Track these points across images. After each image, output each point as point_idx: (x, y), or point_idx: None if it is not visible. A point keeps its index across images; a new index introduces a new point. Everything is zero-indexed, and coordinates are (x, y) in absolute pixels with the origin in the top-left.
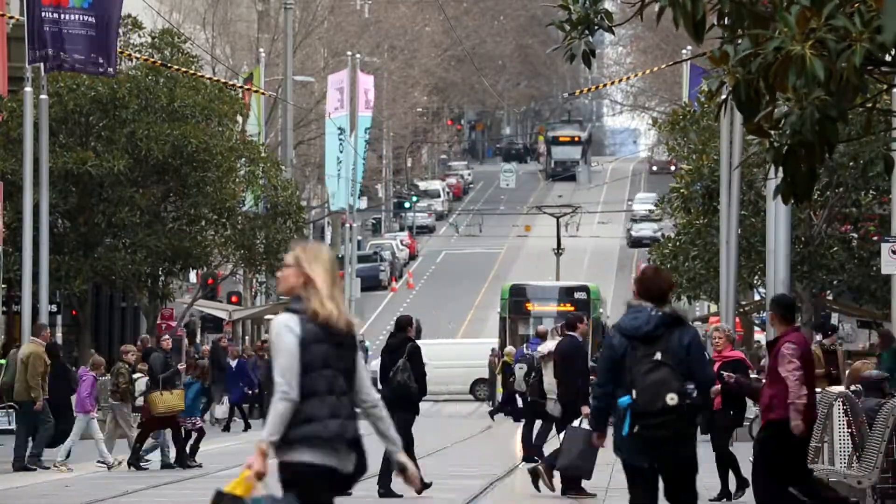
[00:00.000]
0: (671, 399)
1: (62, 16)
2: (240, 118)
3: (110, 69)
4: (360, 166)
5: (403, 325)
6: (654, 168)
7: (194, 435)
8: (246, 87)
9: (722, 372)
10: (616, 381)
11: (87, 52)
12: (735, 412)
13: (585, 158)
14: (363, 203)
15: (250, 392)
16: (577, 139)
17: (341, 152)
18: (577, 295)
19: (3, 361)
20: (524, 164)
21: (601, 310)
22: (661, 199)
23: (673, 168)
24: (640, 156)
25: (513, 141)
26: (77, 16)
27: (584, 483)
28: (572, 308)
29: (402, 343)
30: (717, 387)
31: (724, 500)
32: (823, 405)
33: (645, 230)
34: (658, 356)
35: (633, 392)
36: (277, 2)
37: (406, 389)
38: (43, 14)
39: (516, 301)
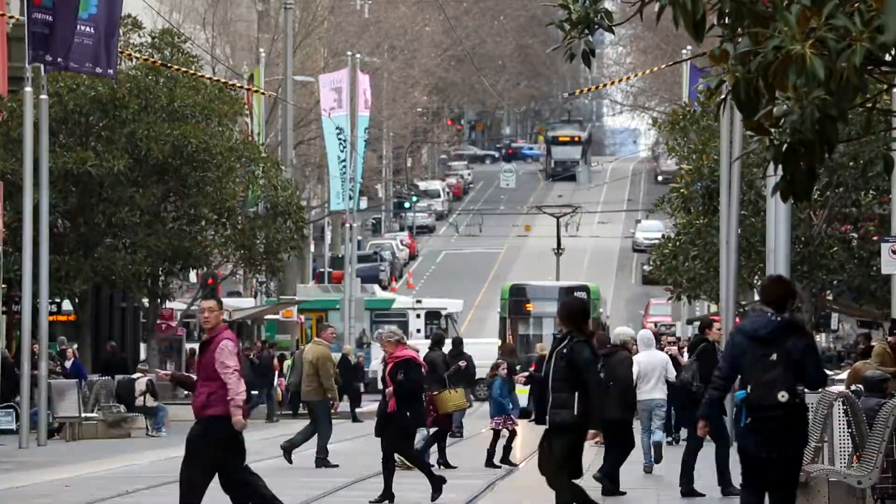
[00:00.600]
0: (782, 396)
1: (58, 19)
2: (248, 120)
3: (110, 70)
4: (359, 166)
5: (702, 328)
6: (660, 178)
7: (506, 434)
8: (242, 86)
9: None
10: (733, 377)
11: (86, 59)
12: (412, 413)
13: (585, 158)
14: (363, 203)
15: None
16: (577, 139)
17: (342, 151)
18: (576, 295)
19: (289, 362)
20: (519, 161)
21: (601, 310)
22: (660, 200)
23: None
24: (640, 156)
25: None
26: (77, 23)
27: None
28: None
29: (696, 343)
30: (390, 389)
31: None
32: (823, 405)
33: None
34: (774, 357)
35: (749, 387)
36: (277, 2)
37: (689, 388)
38: (35, 15)
39: (516, 301)
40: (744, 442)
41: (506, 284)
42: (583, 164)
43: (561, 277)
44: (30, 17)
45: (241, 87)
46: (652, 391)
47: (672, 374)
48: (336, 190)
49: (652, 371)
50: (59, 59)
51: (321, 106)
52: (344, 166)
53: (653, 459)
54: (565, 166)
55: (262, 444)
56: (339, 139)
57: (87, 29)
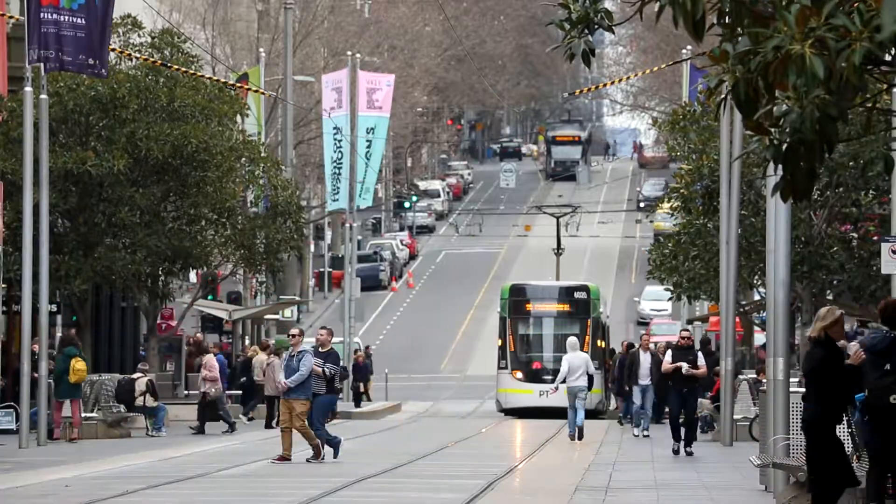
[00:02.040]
0: (893, 399)
1: (57, 16)
2: (239, 118)
3: (103, 70)
4: (360, 166)
5: None
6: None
7: None
8: (240, 85)
9: None
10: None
11: (76, 54)
12: None
13: (585, 158)
14: (366, 202)
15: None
16: (577, 139)
17: (335, 151)
18: (576, 295)
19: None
20: (520, 160)
21: (601, 309)
22: (661, 200)
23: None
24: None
25: (510, 140)
26: (67, 17)
27: None
28: (573, 308)
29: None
30: None
31: None
32: None
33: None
34: (888, 366)
35: (867, 391)
36: (277, 2)
37: None
38: (42, 15)
39: (516, 301)
40: (865, 436)
41: (506, 284)
42: (583, 163)
43: (561, 277)
44: (30, 16)
45: (241, 86)
46: (577, 380)
47: (592, 369)
48: (330, 189)
49: (578, 366)
50: (63, 58)
51: (322, 106)
52: (338, 166)
53: (576, 431)
54: (565, 166)
55: (259, 445)
56: (335, 139)
57: (78, 20)
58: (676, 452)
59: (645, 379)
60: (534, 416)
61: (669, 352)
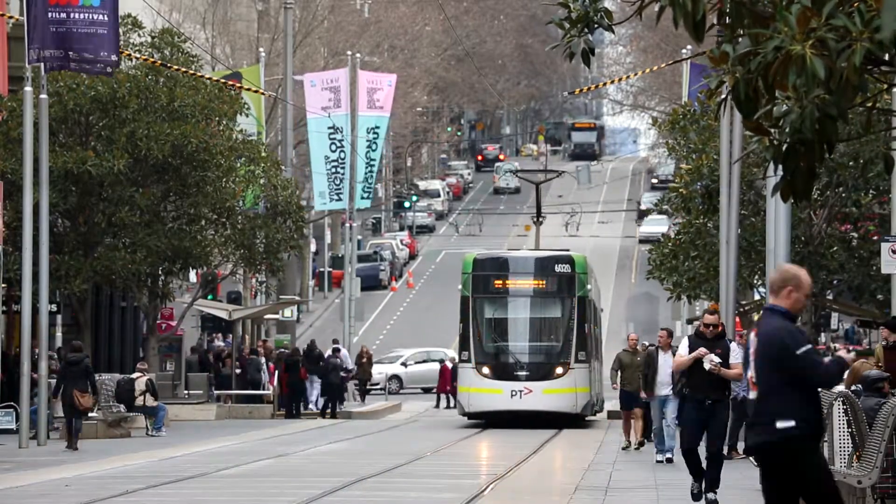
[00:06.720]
0: None
1: (72, 15)
2: (238, 117)
3: (108, 68)
4: (361, 166)
5: None
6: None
7: None
8: (234, 83)
9: None
10: None
11: (98, 51)
12: None
13: (600, 143)
14: (367, 202)
15: None
16: (592, 126)
17: (333, 151)
18: (557, 268)
19: None
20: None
21: (589, 286)
22: (660, 199)
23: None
24: (640, 155)
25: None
26: (87, 14)
27: None
28: (553, 285)
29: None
30: None
31: None
32: (823, 405)
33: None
34: None
35: None
36: (277, 1)
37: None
38: (50, 14)
39: (482, 276)
40: None
41: (469, 255)
42: (598, 147)
43: None
44: (31, 16)
45: (241, 86)
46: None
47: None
48: (320, 190)
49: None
50: (69, 53)
51: (307, 104)
52: (334, 166)
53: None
54: (583, 148)
55: (259, 445)
56: (332, 139)
57: (99, 17)
58: (697, 499)
59: (664, 388)
60: (504, 424)
61: (686, 340)
